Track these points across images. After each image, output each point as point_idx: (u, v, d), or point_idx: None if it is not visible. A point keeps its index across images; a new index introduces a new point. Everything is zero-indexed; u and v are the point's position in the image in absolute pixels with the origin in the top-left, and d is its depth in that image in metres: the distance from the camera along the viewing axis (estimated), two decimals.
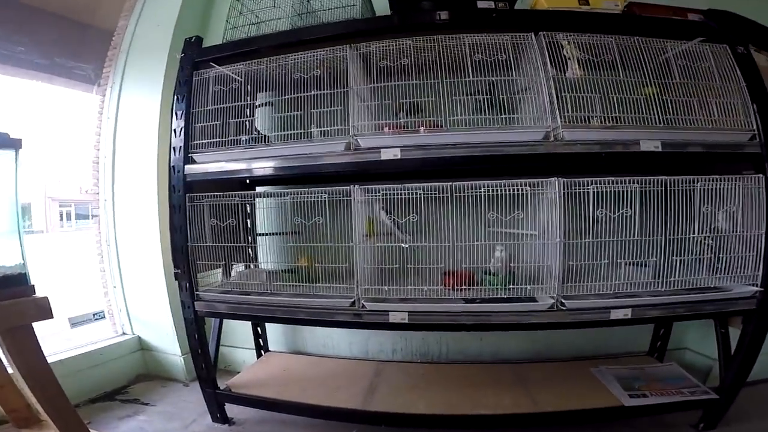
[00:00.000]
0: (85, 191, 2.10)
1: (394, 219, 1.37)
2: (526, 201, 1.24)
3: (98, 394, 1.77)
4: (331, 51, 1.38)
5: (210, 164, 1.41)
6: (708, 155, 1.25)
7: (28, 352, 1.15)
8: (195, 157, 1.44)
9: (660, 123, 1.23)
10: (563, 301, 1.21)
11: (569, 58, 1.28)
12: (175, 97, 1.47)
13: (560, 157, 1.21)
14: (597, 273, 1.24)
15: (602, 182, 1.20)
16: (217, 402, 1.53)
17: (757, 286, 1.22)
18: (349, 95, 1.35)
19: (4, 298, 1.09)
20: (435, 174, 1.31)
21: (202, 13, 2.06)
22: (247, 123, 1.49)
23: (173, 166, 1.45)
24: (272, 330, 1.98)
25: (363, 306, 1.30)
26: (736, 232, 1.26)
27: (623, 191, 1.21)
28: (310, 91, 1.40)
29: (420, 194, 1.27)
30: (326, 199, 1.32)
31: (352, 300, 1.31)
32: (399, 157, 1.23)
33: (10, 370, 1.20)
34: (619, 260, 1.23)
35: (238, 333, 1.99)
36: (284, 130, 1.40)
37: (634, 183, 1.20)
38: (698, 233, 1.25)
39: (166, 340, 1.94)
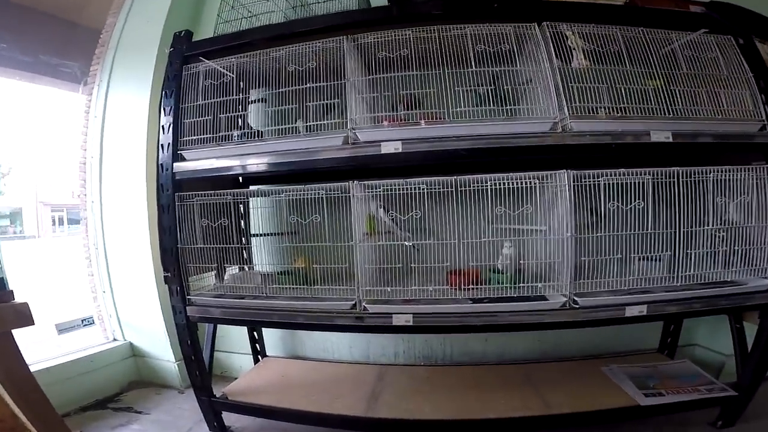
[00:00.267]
0: (77, 195, 2.01)
1: (393, 217, 1.29)
2: (533, 195, 1.18)
3: (89, 402, 1.69)
4: (328, 42, 1.31)
5: (200, 161, 1.33)
6: (718, 146, 1.20)
7: (8, 359, 1.07)
8: (184, 154, 1.35)
9: (669, 114, 1.18)
10: (575, 298, 1.15)
11: (574, 49, 1.23)
12: (164, 92, 1.39)
13: (569, 149, 1.15)
14: (609, 269, 1.17)
15: (614, 174, 1.14)
16: (213, 410, 1.44)
17: None
18: (346, 88, 1.27)
19: None
20: (438, 168, 1.23)
21: (193, 8, 1.97)
22: (239, 118, 1.40)
23: (161, 164, 1.37)
24: (269, 334, 1.89)
25: (365, 308, 1.22)
26: (749, 223, 1.20)
27: (635, 183, 1.15)
28: (305, 84, 1.33)
29: (423, 189, 1.20)
30: (323, 196, 1.24)
31: (353, 302, 1.23)
32: (400, 150, 1.16)
33: None
34: (632, 255, 1.16)
35: (235, 338, 1.91)
36: (278, 125, 1.32)
37: (646, 175, 1.14)
38: (712, 225, 1.19)
39: (159, 346, 1.85)
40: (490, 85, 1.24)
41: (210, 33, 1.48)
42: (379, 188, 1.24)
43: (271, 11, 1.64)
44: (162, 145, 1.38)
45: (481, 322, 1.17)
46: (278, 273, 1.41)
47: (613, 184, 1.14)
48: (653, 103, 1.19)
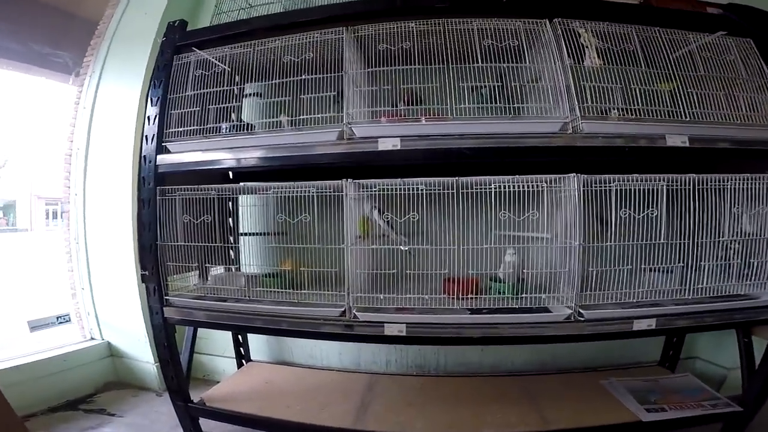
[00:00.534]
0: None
1: (388, 219, 1.18)
2: (539, 200, 1.08)
3: (60, 402, 1.59)
4: (326, 33, 1.21)
5: (185, 154, 1.22)
6: (736, 152, 1.11)
7: None
8: (169, 146, 1.24)
9: (687, 117, 1.09)
10: (581, 311, 1.05)
11: (587, 46, 1.14)
12: (152, 82, 1.30)
13: (580, 151, 1.05)
14: (617, 280, 1.08)
15: (626, 180, 1.04)
16: (189, 416, 1.33)
17: None
18: (344, 80, 1.17)
19: None
20: (438, 169, 1.13)
21: (193, 2, 1.87)
22: (229, 110, 1.29)
23: (144, 156, 1.26)
24: (255, 338, 1.78)
25: (354, 316, 1.11)
26: (764, 235, 1.11)
27: (648, 190, 1.05)
28: (301, 76, 1.22)
29: (422, 191, 1.09)
30: (315, 194, 1.13)
31: (342, 309, 1.12)
32: (399, 147, 1.05)
33: None
34: (642, 266, 1.07)
35: (219, 341, 1.79)
36: (270, 118, 1.21)
37: (661, 181, 1.04)
38: (728, 236, 1.10)
39: (138, 347, 1.74)
40: (498, 82, 1.14)
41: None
42: (375, 188, 1.13)
43: (270, 2, 1.55)
44: (146, 136, 1.27)
45: (479, 334, 1.07)
46: (264, 275, 1.29)
47: (624, 190, 1.05)
48: (669, 105, 1.10)
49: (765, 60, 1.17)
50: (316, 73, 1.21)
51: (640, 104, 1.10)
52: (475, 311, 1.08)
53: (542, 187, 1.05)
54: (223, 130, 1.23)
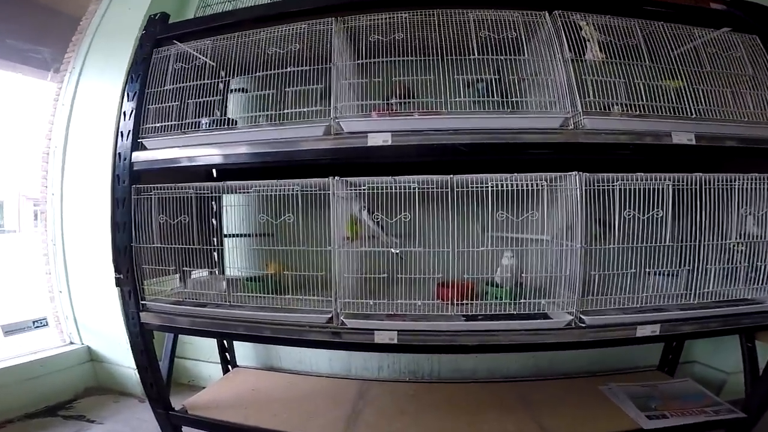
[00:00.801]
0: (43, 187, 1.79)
1: (378, 220, 1.09)
2: (539, 200, 1.00)
3: (37, 408, 1.50)
4: (314, 24, 1.13)
5: (162, 151, 1.12)
6: (743, 151, 1.05)
7: None
8: (145, 142, 1.15)
9: (693, 114, 1.02)
10: (582, 317, 0.97)
11: (588, 40, 1.07)
12: (129, 76, 1.22)
13: (582, 148, 0.98)
14: (620, 284, 1.00)
15: (630, 179, 0.97)
16: (171, 424, 1.25)
17: None
18: (332, 73, 1.08)
19: None
20: (432, 166, 1.04)
21: None
22: (210, 104, 1.19)
23: (119, 153, 1.17)
24: (241, 343, 1.68)
25: (342, 323, 1.03)
26: None
27: (652, 190, 0.98)
28: (286, 68, 1.13)
29: (414, 189, 1.01)
30: (299, 193, 1.04)
31: (329, 316, 1.03)
32: (390, 143, 0.97)
33: None
34: (647, 269, 1.00)
35: (204, 345, 1.69)
36: (253, 112, 1.12)
37: (666, 180, 0.97)
38: (735, 239, 1.03)
39: (119, 351, 1.64)
40: (496, 74, 1.06)
41: None
42: (364, 186, 1.05)
43: None
44: (122, 132, 1.18)
45: (475, 342, 0.99)
46: (246, 279, 1.20)
47: (627, 190, 0.97)
48: (674, 102, 1.03)
49: None
50: (302, 66, 1.12)
51: (643, 100, 1.02)
52: (471, 318, 1.00)
53: (542, 186, 0.98)
54: (203, 126, 1.14)
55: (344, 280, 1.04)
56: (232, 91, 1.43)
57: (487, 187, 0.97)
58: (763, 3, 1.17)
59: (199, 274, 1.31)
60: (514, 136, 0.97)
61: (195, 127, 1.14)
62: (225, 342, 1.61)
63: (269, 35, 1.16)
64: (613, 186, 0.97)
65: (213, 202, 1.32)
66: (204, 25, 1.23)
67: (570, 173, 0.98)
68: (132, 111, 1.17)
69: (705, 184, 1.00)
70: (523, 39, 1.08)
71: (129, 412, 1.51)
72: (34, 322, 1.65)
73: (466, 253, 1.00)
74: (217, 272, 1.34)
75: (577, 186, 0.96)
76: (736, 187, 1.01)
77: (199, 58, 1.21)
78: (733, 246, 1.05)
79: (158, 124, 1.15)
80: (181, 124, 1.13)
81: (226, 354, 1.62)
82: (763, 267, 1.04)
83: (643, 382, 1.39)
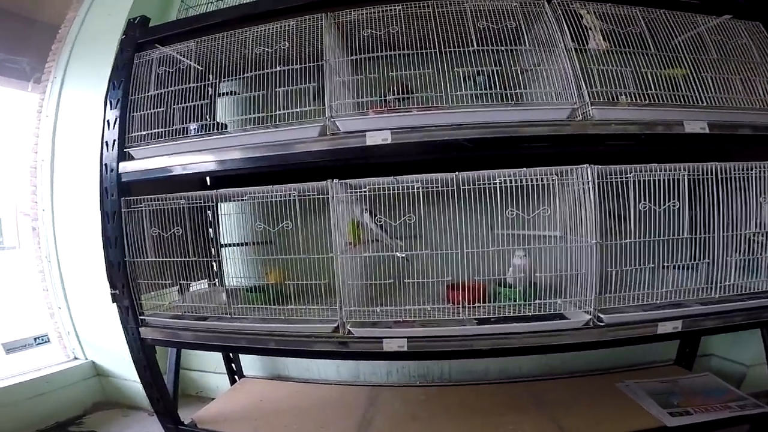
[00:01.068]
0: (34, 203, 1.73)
1: (381, 223, 1.03)
2: (546, 195, 0.95)
3: (48, 425, 1.47)
4: (303, 21, 1.07)
5: (150, 160, 1.06)
6: (757, 138, 1.00)
7: None
8: (132, 152, 1.09)
9: (704, 102, 0.97)
10: (600, 315, 0.92)
11: (590, 29, 1.01)
12: (111, 83, 1.16)
13: (591, 139, 0.92)
14: (639, 280, 0.95)
15: (645, 170, 0.91)
16: None
17: None
18: (324, 71, 1.02)
19: None
20: (435, 164, 0.98)
21: (160, 2, 1.70)
22: (198, 109, 1.13)
23: (105, 164, 1.12)
24: None
25: (349, 332, 0.97)
26: None
27: (668, 181, 0.92)
28: (276, 68, 1.07)
29: (418, 188, 0.95)
30: (296, 198, 0.98)
31: (335, 325, 0.98)
32: (389, 141, 0.91)
33: None
34: (665, 264, 0.94)
35: (209, 356, 1.64)
36: (243, 115, 1.06)
37: (682, 170, 0.91)
38: (752, 229, 0.98)
39: (124, 365, 1.58)
40: (497, 66, 0.99)
41: None
42: (364, 188, 0.99)
43: None
44: (107, 142, 1.13)
45: (489, 346, 0.93)
46: (246, 290, 1.15)
47: (641, 181, 0.92)
48: (683, 90, 0.97)
49: None
50: (292, 64, 1.06)
51: (652, 89, 0.97)
52: (483, 321, 0.95)
53: (552, 180, 0.92)
54: (191, 132, 1.08)
55: (348, 287, 0.99)
56: (221, 95, 1.37)
57: (495, 183, 0.91)
58: None
59: (198, 286, 1.26)
60: (520, 129, 0.91)
61: (183, 134, 1.08)
62: (230, 353, 1.56)
63: (256, 34, 1.10)
64: (627, 177, 0.91)
65: (208, 212, 1.27)
66: (186, 26, 1.18)
67: (581, 166, 0.92)
68: (116, 119, 1.12)
69: (721, 174, 0.94)
70: (523, 29, 1.02)
71: (139, 426, 1.48)
72: (35, 339, 1.62)
73: (475, 254, 0.95)
74: (216, 284, 1.28)
75: (590, 179, 0.90)
76: (753, 175, 0.95)
77: (183, 62, 1.15)
78: (752, 236, 1.00)
79: (144, 132, 1.09)
80: (169, 131, 1.07)
81: (233, 365, 1.57)
82: None
83: (662, 377, 1.34)
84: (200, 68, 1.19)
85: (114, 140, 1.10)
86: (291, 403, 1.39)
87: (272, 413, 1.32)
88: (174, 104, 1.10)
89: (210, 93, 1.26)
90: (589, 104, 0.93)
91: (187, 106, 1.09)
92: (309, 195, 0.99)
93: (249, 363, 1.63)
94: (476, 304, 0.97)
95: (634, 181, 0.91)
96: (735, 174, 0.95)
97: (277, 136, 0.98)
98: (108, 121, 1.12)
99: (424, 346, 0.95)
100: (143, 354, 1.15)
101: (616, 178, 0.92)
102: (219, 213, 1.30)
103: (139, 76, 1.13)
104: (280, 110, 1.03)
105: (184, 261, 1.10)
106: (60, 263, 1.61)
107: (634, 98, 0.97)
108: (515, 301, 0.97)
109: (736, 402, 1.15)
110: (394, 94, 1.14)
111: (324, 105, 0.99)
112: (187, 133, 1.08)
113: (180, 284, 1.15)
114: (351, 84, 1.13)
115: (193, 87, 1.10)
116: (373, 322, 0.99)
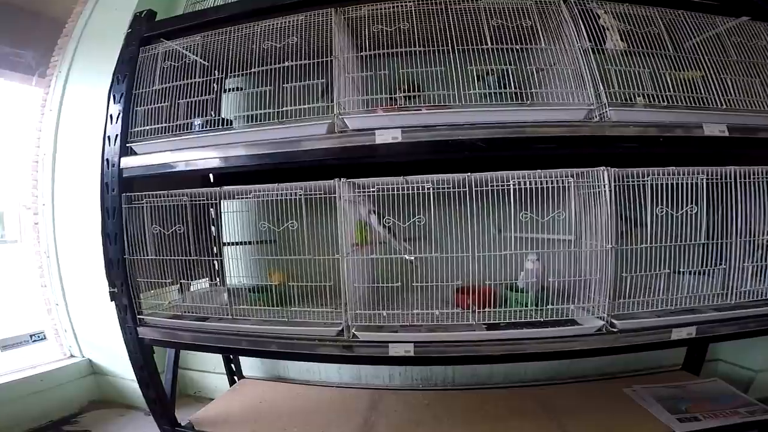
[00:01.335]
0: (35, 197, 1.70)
1: (389, 225, 0.99)
2: (561, 198, 0.91)
3: (41, 424, 1.43)
4: (311, 17, 1.04)
5: (153, 156, 1.03)
6: None
7: None
8: (135, 147, 1.05)
9: (723, 105, 0.94)
10: (613, 321, 0.89)
11: (608, 29, 0.98)
12: (115, 77, 1.12)
13: (609, 141, 0.88)
14: (654, 286, 0.92)
15: (662, 173, 0.88)
16: None
17: None
18: (333, 67, 0.98)
19: None
20: (446, 164, 0.95)
21: None
22: (203, 104, 1.10)
23: (107, 159, 1.08)
24: None
25: (354, 336, 0.94)
26: None
27: (685, 184, 0.89)
28: (284, 63, 1.04)
29: (428, 189, 0.91)
30: (302, 197, 0.95)
31: (340, 328, 0.94)
32: (400, 140, 0.87)
33: None
34: (681, 269, 0.91)
35: (209, 356, 1.60)
36: (249, 111, 1.02)
37: (700, 174, 0.88)
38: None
39: (121, 364, 1.54)
40: (512, 65, 0.96)
41: None
42: (373, 188, 0.96)
43: None
44: (109, 137, 1.10)
45: (500, 352, 0.90)
46: (248, 290, 1.11)
47: (659, 185, 0.88)
48: (702, 92, 0.94)
49: None
50: (301, 60, 1.03)
51: (670, 91, 0.94)
52: (493, 326, 0.92)
53: (568, 182, 0.88)
54: (196, 127, 1.04)
55: (354, 290, 0.95)
56: (226, 91, 1.34)
57: (509, 185, 0.88)
58: None
59: (199, 285, 1.22)
60: (536, 130, 0.88)
61: (187, 129, 1.05)
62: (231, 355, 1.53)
63: (263, 29, 1.07)
64: (644, 181, 0.88)
65: (211, 209, 1.23)
66: (193, 21, 1.14)
67: (598, 168, 0.88)
68: (119, 114, 1.08)
69: (740, 178, 0.91)
70: (538, 27, 0.99)
71: (134, 425, 1.44)
72: (31, 336, 1.57)
73: (486, 258, 0.91)
74: (217, 283, 1.25)
75: (606, 182, 0.87)
76: None
77: (189, 56, 1.11)
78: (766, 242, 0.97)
79: (148, 127, 1.05)
80: (172, 126, 1.04)
81: (232, 365, 1.54)
82: None
83: (669, 383, 1.31)
84: (206, 63, 1.15)
85: (116, 135, 1.06)
86: (291, 405, 1.36)
87: (272, 415, 1.29)
88: (178, 99, 1.07)
89: (215, 88, 1.23)
90: (606, 105, 0.90)
91: (191, 102, 1.06)
92: (315, 194, 0.95)
93: (249, 363, 1.59)
94: (486, 309, 0.94)
95: (651, 184, 0.88)
96: (754, 178, 0.92)
97: (284, 132, 0.94)
98: (111, 115, 1.09)
99: (431, 351, 0.92)
100: (141, 354, 1.12)
101: (633, 181, 0.88)
102: (222, 211, 1.26)
103: (144, 71, 1.10)
104: (286, 107, 1.00)
105: (185, 259, 1.07)
106: (59, 259, 1.57)
107: (651, 100, 0.94)
108: (526, 306, 0.94)
109: (745, 408, 1.13)
110: (403, 92, 1.11)
111: (332, 102, 0.95)
112: (191, 129, 1.04)
113: (180, 283, 1.11)
114: (360, 81, 1.09)
115: (199, 82, 1.07)
116: (379, 326, 0.95)
